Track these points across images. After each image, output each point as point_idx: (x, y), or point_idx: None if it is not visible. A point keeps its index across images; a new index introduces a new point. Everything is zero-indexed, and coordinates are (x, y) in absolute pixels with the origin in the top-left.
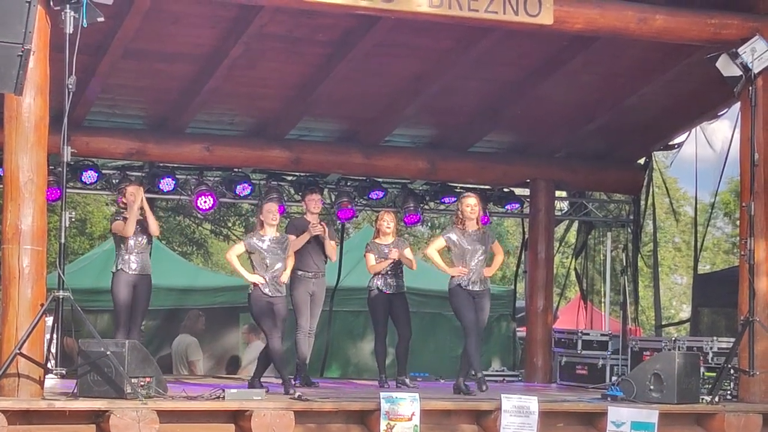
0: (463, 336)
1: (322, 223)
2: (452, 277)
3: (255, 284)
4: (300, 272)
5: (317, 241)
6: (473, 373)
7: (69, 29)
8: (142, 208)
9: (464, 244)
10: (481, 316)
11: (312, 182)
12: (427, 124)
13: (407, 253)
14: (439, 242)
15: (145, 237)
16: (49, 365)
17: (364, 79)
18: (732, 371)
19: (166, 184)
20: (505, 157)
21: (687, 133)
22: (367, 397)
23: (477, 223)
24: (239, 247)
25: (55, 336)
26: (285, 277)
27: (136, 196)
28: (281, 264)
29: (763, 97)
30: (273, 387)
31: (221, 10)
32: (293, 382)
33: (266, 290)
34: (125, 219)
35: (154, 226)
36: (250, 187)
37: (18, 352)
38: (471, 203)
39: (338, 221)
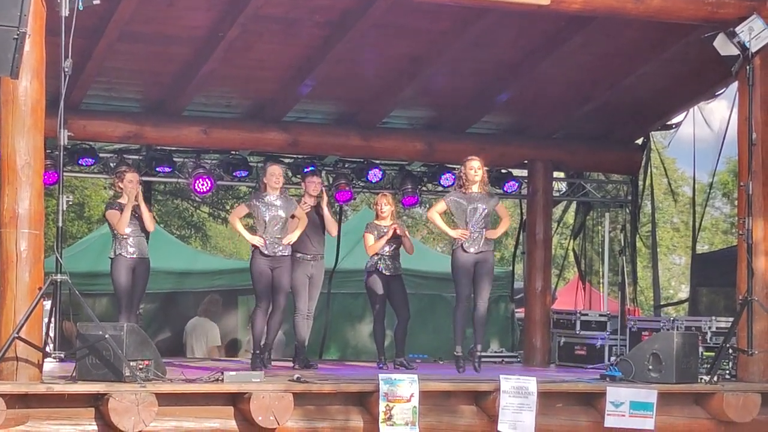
0: (454, 304)
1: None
2: (454, 239)
3: (255, 247)
4: (299, 255)
5: (315, 224)
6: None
7: (65, 12)
8: (138, 204)
9: (463, 202)
10: (481, 284)
11: (311, 164)
12: (425, 105)
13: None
14: (441, 205)
15: (139, 222)
16: (47, 349)
17: (362, 61)
18: (731, 351)
19: (163, 167)
20: (503, 138)
21: (685, 113)
22: (366, 379)
23: (480, 187)
24: (241, 209)
25: (53, 320)
26: (291, 238)
27: (132, 189)
28: (282, 224)
29: (761, 76)
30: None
31: None
32: (293, 365)
33: (266, 251)
34: (120, 207)
35: (149, 222)
36: (247, 170)
37: (16, 335)
38: (474, 165)
39: (336, 203)
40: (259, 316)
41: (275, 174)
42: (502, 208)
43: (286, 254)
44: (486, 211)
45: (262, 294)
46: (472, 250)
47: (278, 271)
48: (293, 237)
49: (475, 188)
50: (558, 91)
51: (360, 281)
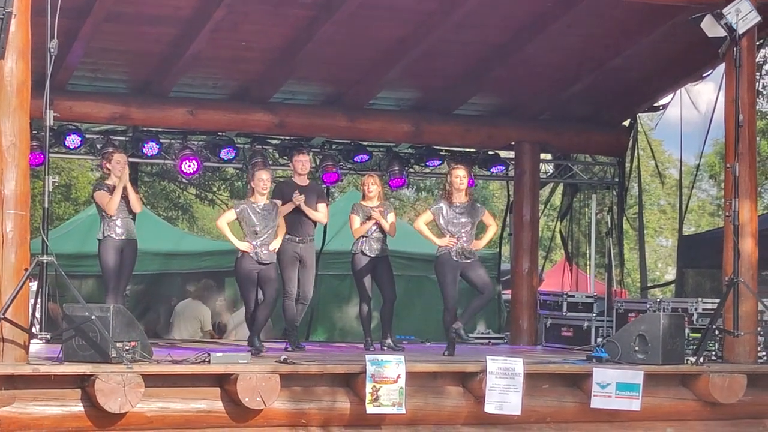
0: (443, 306)
1: (302, 195)
2: (439, 246)
3: (243, 252)
4: (287, 236)
5: (305, 201)
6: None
7: None
8: (124, 186)
9: (450, 217)
10: (479, 281)
11: (298, 145)
12: (412, 86)
13: (390, 217)
14: (427, 216)
15: (126, 203)
16: (33, 330)
17: (348, 42)
18: (717, 332)
19: (150, 148)
20: (490, 120)
21: (672, 95)
22: (353, 360)
23: (466, 194)
24: (230, 215)
25: (39, 301)
26: (275, 245)
27: (119, 170)
28: (271, 231)
29: (748, 57)
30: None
31: None
32: (285, 347)
33: (254, 258)
34: (108, 188)
35: (135, 203)
36: (234, 151)
37: (2, 317)
38: (460, 174)
39: (323, 185)
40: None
41: (263, 179)
42: (488, 217)
43: (273, 261)
44: (472, 224)
45: (249, 298)
46: (457, 259)
47: (264, 270)
48: (276, 244)
49: (460, 197)
50: (545, 72)
51: (347, 263)
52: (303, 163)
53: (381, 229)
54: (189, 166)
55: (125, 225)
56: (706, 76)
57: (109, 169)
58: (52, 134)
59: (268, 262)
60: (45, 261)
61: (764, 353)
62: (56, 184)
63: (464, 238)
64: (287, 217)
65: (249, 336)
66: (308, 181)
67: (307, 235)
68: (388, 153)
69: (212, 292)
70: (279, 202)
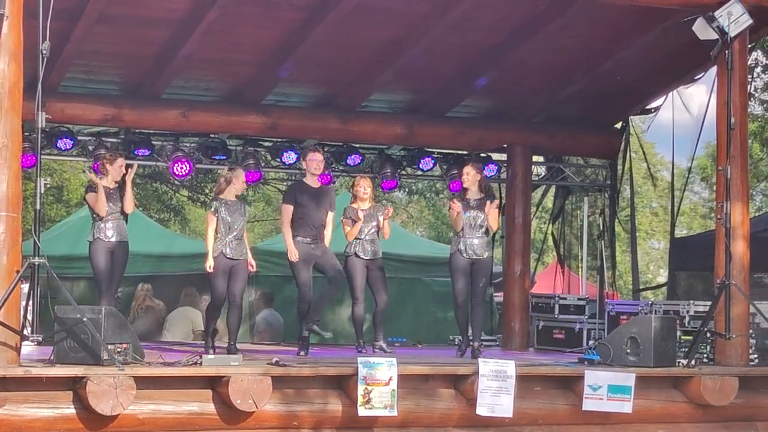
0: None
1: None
2: (454, 239)
3: (215, 256)
4: (298, 238)
5: (316, 205)
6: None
7: None
8: (125, 183)
9: (465, 210)
10: (475, 285)
11: (289, 148)
12: (404, 89)
13: (381, 218)
14: (458, 217)
15: (120, 204)
16: (25, 332)
17: (341, 44)
18: (708, 335)
19: (141, 153)
20: (482, 122)
21: (664, 98)
22: (345, 363)
23: (480, 190)
24: (212, 222)
25: (31, 303)
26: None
27: (118, 174)
28: (241, 225)
29: (740, 60)
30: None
31: None
32: (300, 353)
33: (227, 252)
34: (104, 190)
35: (129, 204)
36: (225, 155)
37: None
38: (465, 171)
39: None
40: (213, 309)
41: (241, 178)
42: (493, 214)
43: (245, 258)
44: (483, 219)
45: (219, 293)
46: (468, 255)
47: (237, 268)
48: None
49: (473, 193)
50: (537, 75)
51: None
52: (318, 162)
53: (374, 232)
54: (181, 168)
55: (116, 227)
56: (698, 78)
57: (107, 170)
58: (44, 136)
59: (240, 258)
60: (36, 263)
61: (756, 356)
62: (48, 185)
63: (479, 233)
64: (298, 216)
65: (205, 343)
66: (320, 184)
67: (318, 234)
68: (380, 155)
69: (196, 297)
70: (289, 207)
